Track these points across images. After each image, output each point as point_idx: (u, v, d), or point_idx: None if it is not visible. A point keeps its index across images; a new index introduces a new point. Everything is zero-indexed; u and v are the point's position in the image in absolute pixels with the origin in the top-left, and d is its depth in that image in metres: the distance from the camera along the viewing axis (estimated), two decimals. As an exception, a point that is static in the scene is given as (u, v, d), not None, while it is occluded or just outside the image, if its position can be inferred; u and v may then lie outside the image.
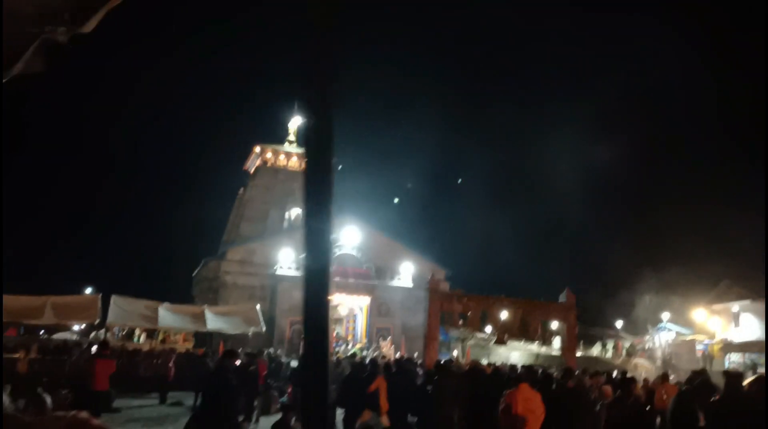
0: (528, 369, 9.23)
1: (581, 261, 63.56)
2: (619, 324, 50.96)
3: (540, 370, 12.18)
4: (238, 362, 15.80)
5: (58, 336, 32.66)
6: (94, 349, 22.05)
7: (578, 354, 31.50)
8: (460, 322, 18.95)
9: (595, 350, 43.01)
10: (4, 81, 2.16)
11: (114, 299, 23.72)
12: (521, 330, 18.31)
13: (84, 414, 1.39)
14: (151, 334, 35.22)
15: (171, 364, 19.67)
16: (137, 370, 20.56)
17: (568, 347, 18.92)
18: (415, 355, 25.14)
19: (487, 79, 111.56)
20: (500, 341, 18.93)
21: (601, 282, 48.24)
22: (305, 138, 1.13)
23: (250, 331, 26.23)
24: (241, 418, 14.91)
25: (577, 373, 12.49)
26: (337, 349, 27.85)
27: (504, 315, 18.11)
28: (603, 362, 34.26)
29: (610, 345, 44.66)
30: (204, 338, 30.48)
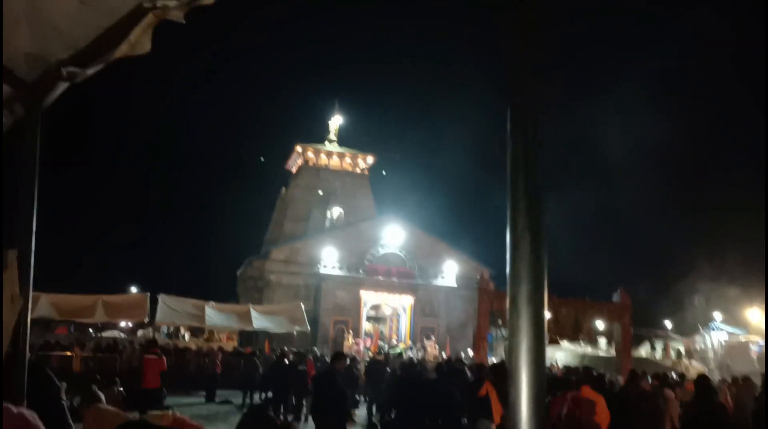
0: (587, 371, 8.83)
1: (628, 257, 62.09)
2: (668, 324, 49.71)
3: (595, 373, 11.77)
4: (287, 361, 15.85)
5: (107, 334, 33.33)
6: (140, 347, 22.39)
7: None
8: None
9: (644, 351, 41.91)
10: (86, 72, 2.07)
11: (162, 298, 23.98)
12: (573, 331, 17.86)
13: (181, 415, 1.26)
14: (195, 332, 35.68)
15: (219, 362, 19.79)
16: (188, 369, 20.77)
17: (623, 348, 18.37)
18: (462, 355, 24.82)
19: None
20: (553, 341, 18.52)
21: (649, 279, 47.01)
22: (511, 158, 1.02)
23: (295, 330, 26.25)
24: (290, 418, 14.88)
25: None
26: (382, 349, 27.68)
27: (552, 315, 17.71)
28: (652, 363, 33.34)
29: (659, 346, 43.54)
30: (248, 337, 30.68)
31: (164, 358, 14.78)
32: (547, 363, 17.02)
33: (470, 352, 27.02)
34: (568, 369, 14.64)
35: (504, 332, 32.32)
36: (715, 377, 20.67)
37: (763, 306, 33.93)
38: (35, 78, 2.27)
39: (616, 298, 18.07)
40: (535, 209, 1.00)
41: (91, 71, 1.99)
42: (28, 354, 2.26)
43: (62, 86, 2.19)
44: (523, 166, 1.00)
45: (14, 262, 2.22)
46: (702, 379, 8.09)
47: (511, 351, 1.01)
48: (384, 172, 48.30)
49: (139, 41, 1.72)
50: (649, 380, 10.65)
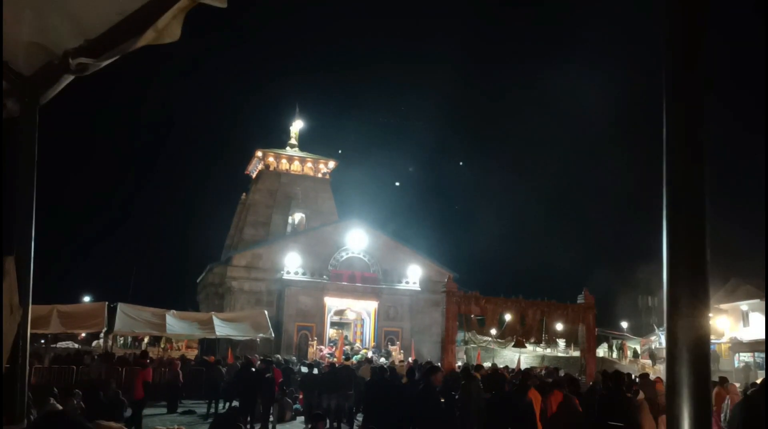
0: (568, 375, 8.83)
1: (583, 260, 63.34)
2: (624, 324, 50.80)
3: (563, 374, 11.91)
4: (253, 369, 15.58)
5: (61, 345, 32.29)
6: (95, 357, 21.74)
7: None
8: (479, 324, 18.62)
9: (601, 351, 42.69)
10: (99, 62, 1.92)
11: (121, 307, 23.36)
12: (539, 332, 18.05)
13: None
14: (153, 341, 34.85)
15: (179, 371, 19.39)
16: (155, 379, 20.30)
17: (588, 349, 18.63)
18: (428, 358, 24.83)
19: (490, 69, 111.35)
20: (519, 344, 18.67)
21: (605, 281, 48.02)
22: (669, 172, 0.93)
23: (259, 337, 25.89)
24: (258, 427, 14.61)
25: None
26: (347, 354, 27.50)
27: (520, 317, 17.85)
28: (609, 363, 33.98)
29: (615, 346, 44.40)
30: (209, 345, 30.13)
31: (150, 369, 14.61)
32: (504, 365, 17.09)
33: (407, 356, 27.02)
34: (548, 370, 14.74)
35: (473, 335, 32.58)
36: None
37: (715, 307, 34.91)
38: (35, 71, 2.10)
39: (580, 299, 18.34)
40: (696, 214, 0.91)
41: (104, 63, 1.83)
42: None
43: (66, 80, 2.03)
44: (684, 170, 0.91)
45: (12, 270, 2.05)
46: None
47: (673, 361, 0.92)
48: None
49: (169, 28, 1.57)
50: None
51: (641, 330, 49.32)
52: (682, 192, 0.92)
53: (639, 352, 41.81)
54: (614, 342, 45.80)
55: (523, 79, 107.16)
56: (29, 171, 2.10)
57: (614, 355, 43.08)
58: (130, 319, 23.38)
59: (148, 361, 15.56)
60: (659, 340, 40.99)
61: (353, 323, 36.52)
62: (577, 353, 33.60)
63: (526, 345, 20.33)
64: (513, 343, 18.32)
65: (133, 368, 14.77)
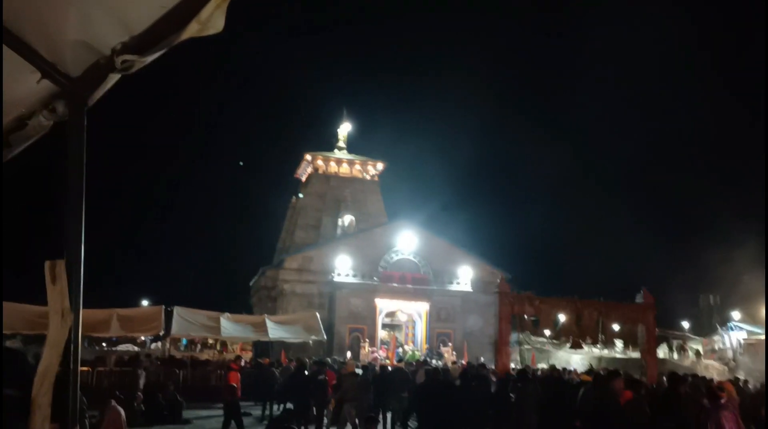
0: (631, 377, 8.50)
1: (642, 258, 61.56)
2: (685, 324, 49.16)
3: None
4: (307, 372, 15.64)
5: (121, 348, 33.22)
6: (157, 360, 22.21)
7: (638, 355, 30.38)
8: (533, 325, 18.28)
9: (661, 352, 41.39)
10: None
11: (177, 310, 23.80)
12: (596, 333, 17.57)
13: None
14: (207, 344, 35.53)
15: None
16: (209, 381, 20.72)
17: (648, 350, 18.03)
18: (481, 359, 24.52)
19: (544, 69, 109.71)
20: (576, 345, 18.23)
21: (665, 280, 46.56)
22: None
23: (311, 339, 26.04)
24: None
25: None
26: (400, 356, 27.42)
27: (566, 318, 17.44)
28: (670, 364, 32.92)
29: (675, 346, 43.01)
30: (263, 347, 30.49)
31: (238, 373, 14.95)
32: (559, 367, 16.61)
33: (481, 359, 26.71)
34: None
35: (526, 336, 32.09)
36: (737, 377, 20.29)
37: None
38: (82, 72, 2.07)
39: (639, 298, 17.76)
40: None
41: (149, 59, 1.79)
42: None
43: (112, 79, 1.99)
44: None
45: (63, 274, 2.02)
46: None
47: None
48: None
49: (212, 18, 1.52)
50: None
51: (702, 330, 47.62)
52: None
53: (701, 352, 40.35)
54: (674, 342, 44.38)
55: (578, 68, 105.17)
56: (78, 175, 2.07)
57: (675, 356, 41.73)
58: (187, 322, 23.81)
59: (241, 365, 15.86)
60: (723, 340, 39.50)
61: (404, 325, 36.43)
62: (635, 354, 32.67)
63: (583, 346, 19.83)
64: (570, 345, 17.87)
65: (227, 372, 15.10)
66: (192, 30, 1.55)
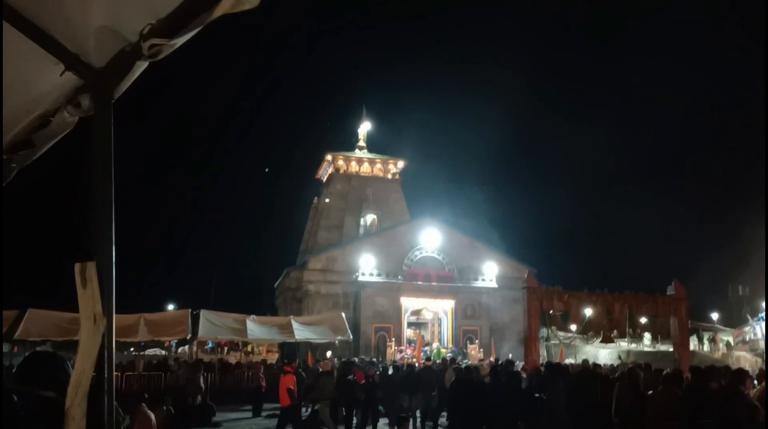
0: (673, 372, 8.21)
1: (670, 249, 60.67)
2: (714, 316, 48.30)
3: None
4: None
5: (149, 352, 33.48)
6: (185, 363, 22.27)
7: (668, 348, 29.83)
8: (561, 320, 18.00)
9: (691, 344, 40.57)
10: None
11: (203, 314, 23.88)
12: (626, 327, 17.25)
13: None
14: (234, 346, 35.62)
15: (261, 375, 19.74)
16: (239, 384, 20.76)
17: (681, 343, 17.65)
18: (510, 356, 24.24)
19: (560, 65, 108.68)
20: (607, 340, 17.92)
21: (692, 270, 45.76)
22: None
23: (337, 339, 25.97)
24: (340, 429, 14.54)
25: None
26: (427, 355, 27.21)
27: (595, 311, 17.14)
28: (700, 357, 32.33)
29: (706, 338, 42.26)
30: (289, 349, 30.49)
31: (293, 376, 14.30)
32: (587, 361, 16.25)
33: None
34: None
35: (553, 331, 31.69)
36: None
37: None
38: (106, 62, 1.95)
39: (670, 290, 17.38)
40: None
41: (179, 42, 1.66)
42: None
43: (139, 68, 1.87)
44: None
45: (94, 277, 1.90)
46: None
47: None
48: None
49: (248, -8, 1.39)
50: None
51: (732, 321, 46.72)
52: None
53: (732, 343, 39.59)
54: (704, 334, 43.60)
55: (602, 62, 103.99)
56: (106, 172, 1.95)
57: (705, 348, 40.98)
58: (213, 325, 23.88)
59: (294, 367, 15.46)
60: (753, 330, 38.73)
61: (430, 323, 36.26)
62: (664, 347, 32.10)
63: (614, 340, 19.49)
64: (600, 339, 17.55)
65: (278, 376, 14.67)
66: (226, 5, 1.42)
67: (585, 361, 14.51)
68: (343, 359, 19.00)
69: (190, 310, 23.91)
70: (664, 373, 8.05)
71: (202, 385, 17.50)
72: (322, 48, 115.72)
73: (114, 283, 1.94)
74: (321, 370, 15.78)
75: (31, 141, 2.49)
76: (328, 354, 25.56)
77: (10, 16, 1.87)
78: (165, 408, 15.29)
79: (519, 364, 16.80)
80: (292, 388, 13.52)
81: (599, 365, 13.93)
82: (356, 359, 22.89)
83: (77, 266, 1.91)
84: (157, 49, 1.67)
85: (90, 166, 1.99)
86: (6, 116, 2.36)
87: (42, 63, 2.04)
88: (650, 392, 7.09)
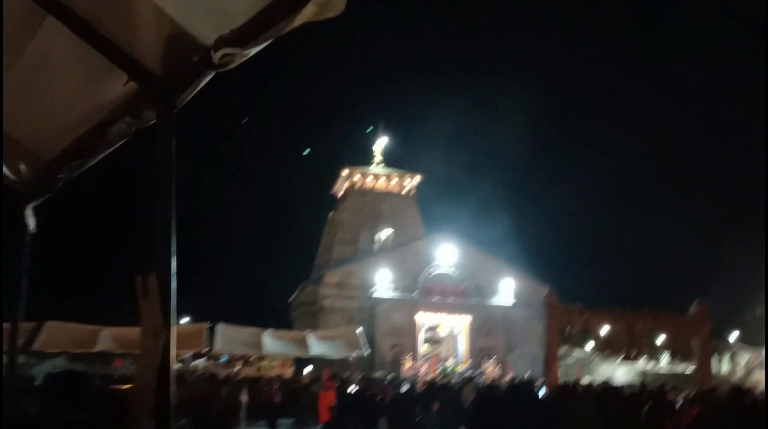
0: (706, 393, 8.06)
1: (686, 266, 59.85)
2: (732, 336, 47.58)
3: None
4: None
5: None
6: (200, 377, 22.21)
7: (685, 368, 29.34)
8: (581, 338, 17.79)
9: (709, 364, 39.90)
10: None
11: (219, 327, 23.85)
12: (647, 346, 17.01)
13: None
14: (246, 360, 35.46)
15: (275, 390, 19.62)
16: (259, 398, 20.60)
17: (703, 364, 17.37)
18: (527, 374, 24.00)
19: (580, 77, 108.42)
20: (629, 358, 17.67)
21: (710, 288, 45.12)
22: None
23: (353, 355, 25.82)
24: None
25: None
26: (445, 371, 27.04)
27: (614, 329, 16.92)
28: (719, 378, 31.81)
29: (725, 359, 41.58)
30: (304, 364, 30.33)
31: (333, 392, 14.11)
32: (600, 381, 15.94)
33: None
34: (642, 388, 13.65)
35: (567, 350, 31.35)
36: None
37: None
38: (171, 72, 1.93)
39: (692, 309, 17.14)
40: None
41: (253, 51, 1.64)
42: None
43: (205, 77, 1.85)
44: None
45: (155, 289, 1.88)
46: None
47: None
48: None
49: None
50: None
51: (752, 339, 45.90)
52: None
53: (751, 364, 38.87)
54: (724, 354, 42.85)
55: (619, 72, 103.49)
56: (168, 182, 1.94)
57: (723, 368, 40.27)
58: (229, 338, 23.84)
59: (336, 383, 15.10)
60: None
61: (446, 339, 35.99)
62: (680, 368, 31.61)
63: (636, 359, 19.17)
64: (621, 357, 17.31)
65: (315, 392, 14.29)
66: (308, 14, 1.40)
67: (605, 382, 14.29)
68: (360, 375, 18.88)
69: (207, 323, 23.91)
70: (694, 393, 7.91)
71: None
72: (337, 61, 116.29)
73: (175, 294, 1.92)
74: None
75: (85, 151, 2.49)
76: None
77: (76, 25, 1.87)
78: (182, 422, 15.29)
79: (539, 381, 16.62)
80: (334, 405, 13.20)
81: (622, 386, 13.71)
82: (375, 375, 22.81)
83: (139, 278, 1.89)
84: (229, 59, 1.65)
85: (150, 176, 1.97)
86: (64, 126, 2.37)
87: (104, 73, 2.04)
88: (682, 411, 6.96)
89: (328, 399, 13.31)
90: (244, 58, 1.66)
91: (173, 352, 1.88)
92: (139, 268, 1.92)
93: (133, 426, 1.83)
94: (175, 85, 1.92)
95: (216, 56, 1.67)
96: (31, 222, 3.01)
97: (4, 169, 2.72)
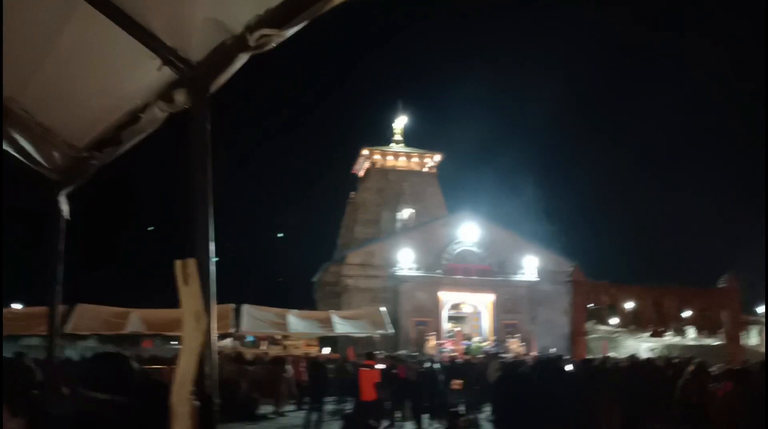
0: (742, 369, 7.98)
1: (714, 235, 59.07)
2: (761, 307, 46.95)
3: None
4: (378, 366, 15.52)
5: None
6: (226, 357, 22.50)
7: (712, 342, 29.09)
8: (607, 313, 17.68)
9: (738, 336, 39.41)
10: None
11: (245, 308, 24.14)
12: (676, 321, 16.85)
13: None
14: (273, 340, 35.86)
15: (301, 369, 19.80)
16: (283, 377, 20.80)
17: (733, 337, 17.19)
18: (552, 351, 23.96)
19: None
20: (657, 334, 17.54)
21: (739, 259, 44.48)
22: None
23: (377, 333, 26.00)
24: (386, 424, 14.54)
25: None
26: (468, 349, 27.12)
27: (640, 305, 16.77)
28: (749, 351, 31.48)
29: (754, 332, 41.12)
30: (328, 343, 30.61)
31: (377, 370, 13.52)
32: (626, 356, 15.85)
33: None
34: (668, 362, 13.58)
35: (592, 325, 31.21)
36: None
37: None
38: (204, 56, 1.92)
39: (721, 282, 16.91)
40: None
41: (290, 32, 1.61)
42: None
43: (240, 61, 1.83)
44: None
45: (195, 273, 1.88)
46: None
47: None
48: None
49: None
50: None
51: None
52: None
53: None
54: (752, 327, 42.35)
55: (650, 55, 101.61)
56: (203, 168, 1.93)
57: (752, 341, 39.83)
58: (255, 319, 24.15)
59: (380, 362, 14.83)
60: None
61: (470, 317, 36.03)
62: (708, 341, 31.36)
63: (663, 335, 19.01)
64: (649, 333, 17.19)
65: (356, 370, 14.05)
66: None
67: (632, 356, 14.23)
68: (385, 354, 18.95)
69: (233, 304, 24.19)
70: (730, 369, 7.84)
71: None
72: (360, 43, 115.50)
73: (214, 279, 1.92)
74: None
75: (117, 138, 2.49)
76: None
77: (110, 11, 1.86)
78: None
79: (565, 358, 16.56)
80: (379, 382, 12.97)
81: (652, 359, 13.63)
82: (400, 353, 22.90)
83: (178, 263, 1.89)
84: (266, 40, 1.62)
85: (187, 158, 1.97)
86: (97, 113, 2.37)
87: (138, 58, 2.03)
88: (718, 387, 6.90)
89: (373, 377, 13.06)
90: (281, 39, 1.64)
91: (213, 335, 1.89)
92: (178, 254, 1.92)
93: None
94: (209, 69, 1.90)
95: (252, 38, 1.64)
96: (65, 209, 3.03)
97: (38, 157, 2.74)
